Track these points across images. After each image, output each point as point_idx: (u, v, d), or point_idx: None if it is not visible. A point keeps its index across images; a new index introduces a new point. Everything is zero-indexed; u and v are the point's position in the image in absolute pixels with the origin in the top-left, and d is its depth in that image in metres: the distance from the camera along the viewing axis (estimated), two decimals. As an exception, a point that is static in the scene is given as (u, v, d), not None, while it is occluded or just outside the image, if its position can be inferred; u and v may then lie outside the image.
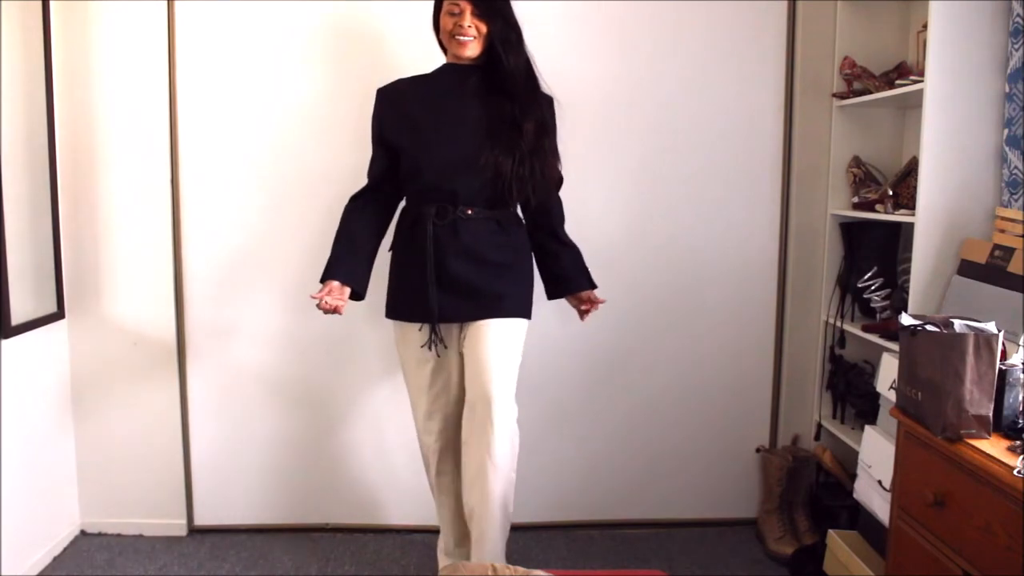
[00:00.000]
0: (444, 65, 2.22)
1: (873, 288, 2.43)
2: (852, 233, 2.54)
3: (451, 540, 2.32)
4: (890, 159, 2.58)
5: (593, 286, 2.32)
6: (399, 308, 2.20)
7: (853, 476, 2.30)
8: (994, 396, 1.56)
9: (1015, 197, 2.04)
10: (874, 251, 2.47)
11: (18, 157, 2.28)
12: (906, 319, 1.69)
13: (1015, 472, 1.39)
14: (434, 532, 2.64)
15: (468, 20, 2.08)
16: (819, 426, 2.69)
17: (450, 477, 2.25)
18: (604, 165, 2.61)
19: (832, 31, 2.56)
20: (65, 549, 2.54)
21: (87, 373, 2.59)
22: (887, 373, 2.15)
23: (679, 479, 2.75)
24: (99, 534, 2.64)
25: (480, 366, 2.12)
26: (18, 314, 2.27)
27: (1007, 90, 2.05)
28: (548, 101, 2.22)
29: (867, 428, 2.25)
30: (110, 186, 2.53)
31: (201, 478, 2.65)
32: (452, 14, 2.10)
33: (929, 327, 1.64)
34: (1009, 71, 2.04)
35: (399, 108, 2.19)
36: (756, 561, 2.54)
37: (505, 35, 2.11)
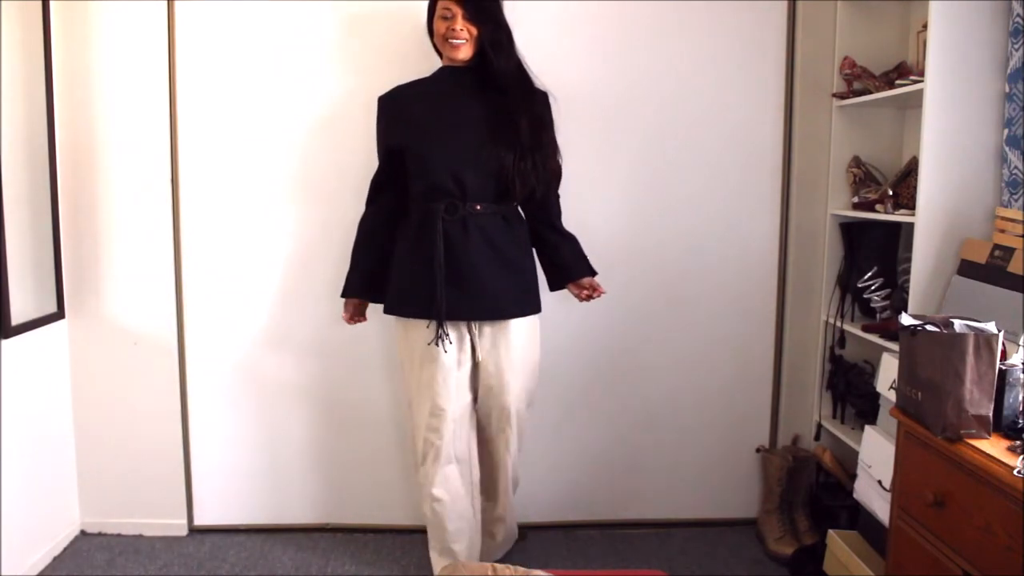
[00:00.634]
0: (440, 68, 2.28)
1: (873, 288, 2.43)
2: (852, 233, 2.54)
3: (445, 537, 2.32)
4: (890, 159, 2.58)
5: (593, 272, 2.36)
6: (406, 305, 2.21)
7: (853, 476, 2.30)
8: (994, 396, 1.56)
9: (1015, 197, 2.04)
10: (874, 251, 2.47)
11: (18, 157, 2.28)
12: (906, 319, 1.69)
13: (1015, 472, 1.39)
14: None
15: (460, 23, 2.15)
16: (819, 426, 2.69)
17: (451, 472, 2.26)
18: (604, 165, 2.61)
19: (832, 31, 2.56)
20: (65, 549, 2.54)
21: (87, 373, 2.59)
22: (887, 373, 2.15)
23: (679, 479, 2.75)
24: (99, 534, 2.64)
25: (501, 372, 2.23)
26: (18, 314, 2.27)
27: (1007, 90, 2.05)
28: (543, 96, 2.28)
29: (867, 428, 2.25)
30: (110, 186, 2.53)
31: (201, 478, 2.65)
32: (444, 18, 2.17)
33: (929, 327, 1.64)
34: (1009, 71, 2.04)
35: (401, 111, 2.25)
36: (756, 561, 2.54)
37: (495, 37, 2.19)
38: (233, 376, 2.63)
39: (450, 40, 2.16)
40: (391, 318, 2.30)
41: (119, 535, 2.63)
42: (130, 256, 2.55)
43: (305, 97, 2.53)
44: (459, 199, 2.16)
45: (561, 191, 2.60)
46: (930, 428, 1.61)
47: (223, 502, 2.67)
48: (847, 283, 2.53)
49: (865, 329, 2.42)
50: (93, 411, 2.60)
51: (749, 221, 2.67)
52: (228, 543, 2.60)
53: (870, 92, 2.41)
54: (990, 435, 1.55)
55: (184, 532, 2.65)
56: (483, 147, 2.15)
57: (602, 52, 2.57)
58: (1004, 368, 1.57)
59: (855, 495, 2.26)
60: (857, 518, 2.30)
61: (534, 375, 2.35)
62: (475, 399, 2.30)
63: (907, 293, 2.18)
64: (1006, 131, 2.06)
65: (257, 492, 2.68)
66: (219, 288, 2.59)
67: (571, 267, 2.35)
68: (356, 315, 2.35)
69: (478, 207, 2.17)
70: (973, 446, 1.52)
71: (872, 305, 2.44)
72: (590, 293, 2.35)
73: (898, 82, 2.27)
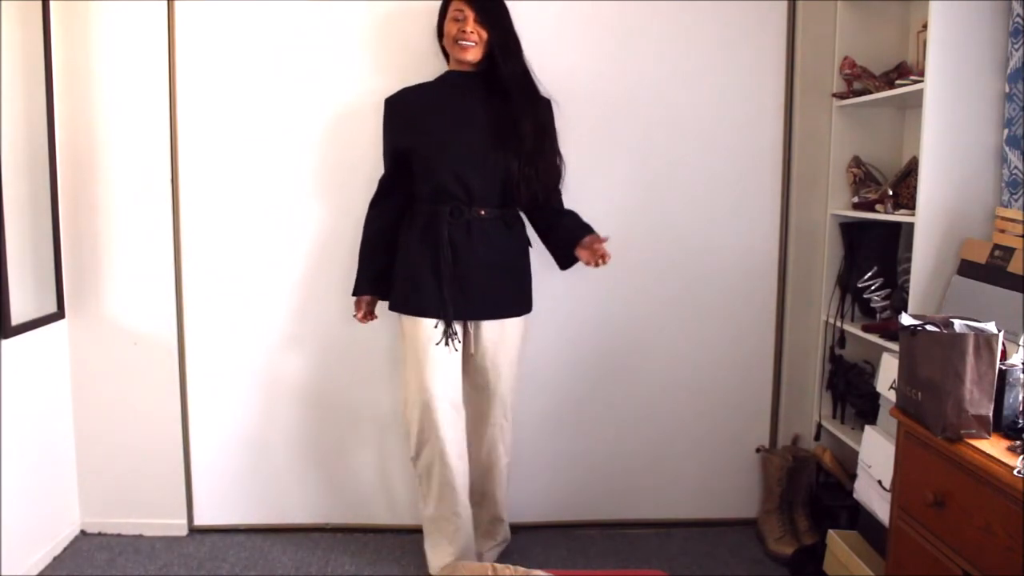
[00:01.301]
0: (446, 73, 2.31)
1: (873, 288, 2.43)
2: (852, 233, 2.54)
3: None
4: (890, 159, 2.58)
5: (593, 231, 2.32)
6: (411, 303, 2.26)
7: (853, 476, 2.30)
8: (994, 396, 1.56)
9: (1015, 197, 2.04)
10: (874, 251, 2.47)
11: (18, 157, 2.28)
12: (906, 319, 1.69)
13: (1015, 472, 1.39)
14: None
15: (471, 26, 2.19)
16: (819, 426, 2.69)
17: (446, 466, 2.29)
18: (604, 165, 2.61)
19: (832, 31, 2.56)
20: (65, 549, 2.54)
21: (87, 373, 2.59)
22: (887, 373, 2.15)
23: (679, 479, 2.75)
24: (99, 534, 2.64)
25: (497, 366, 2.32)
26: (18, 314, 2.27)
27: (1007, 90, 2.05)
28: (546, 103, 2.32)
29: (867, 428, 2.25)
30: (110, 186, 2.53)
31: (201, 478, 2.65)
32: (456, 20, 2.20)
33: (929, 327, 1.64)
34: (1009, 71, 2.04)
35: (408, 113, 2.28)
36: (756, 561, 2.54)
37: (504, 42, 2.22)
38: (233, 376, 2.63)
39: (460, 42, 2.19)
40: (392, 317, 2.34)
41: (119, 535, 2.63)
42: (130, 256, 2.55)
43: (305, 97, 2.53)
44: (464, 203, 2.21)
45: (561, 191, 2.61)
46: (930, 428, 1.61)
47: (223, 502, 2.67)
48: (847, 283, 2.53)
49: (865, 329, 2.42)
50: (93, 411, 2.60)
51: (749, 221, 2.67)
52: (228, 543, 2.60)
53: (870, 92, 2.41)
54: (990, 435, 1.55)
55: (184, 532, 2.65)
56: (489, 152, 2.20)
57: (602, 52, 2.57)
58: (1004, 368, 1.57)
59: (855, 495, 2.26)
60: (857, 518, 2.30)
61: (519, 373, 2.44)
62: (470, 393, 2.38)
63: (907, 293, 2.18)
64: (1006, 131, 2.06)
65: (257, 492, 2.68)
66: (219, 288, 2.59)
67: (573, 230, 2.33)
68: (369, 313, 2.37)
69: (482, 211, 2.22)
70: (973, 446, 1.52)
71: (872, 305, 2.44)
72: (597, 256, 2.25)
73: (898, 82, 2.27)
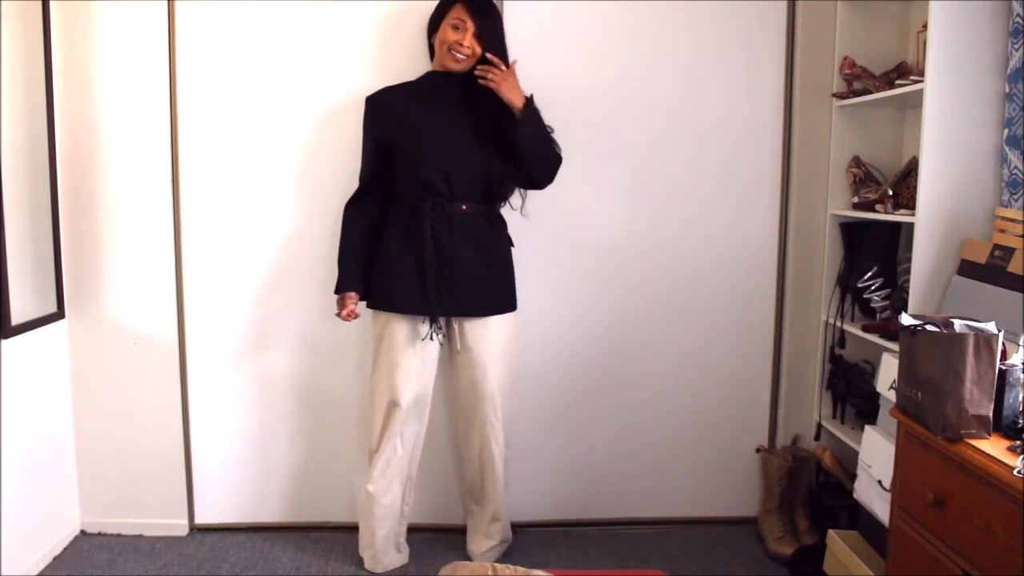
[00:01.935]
0: (429, 72, 2.32)
1: (873, 288, 2.43)
2: (852, 233, 2.54)
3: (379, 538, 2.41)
4: (890, 159, 2.58)
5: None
6: (394, 300, 2.27)
7: (853, 476, 2.30)
8: (994, 396, 1.56)
9: (1015, 197, 2.04)
10: (874, 251, 2.47)
11: (18, 157, 2.28)
12: (906, 319, 1.69)
13: (1015, 472, 1.39)
14: (434, 531, 2.65)
15: (469, 40, 2.20)
16: (819, 426, 2.69)
17: (393, 463, 2.36)
18: (603, 165, 2.61)
19: (832, 31, 2.56)
20: (65, 549, 2.54)
21: (87, 373, 2.58)
22: (887, 373, 2.15)
23: (679, 478, 2.76)
24: (99, 534, 2.64)
25: (483, 364, 2.32)
26: (18, 314, 2.27)
27: (1007, 90, 2.05)
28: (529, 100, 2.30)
29: (867, 428, 2.25)
30: (110, 186, 2.53)
31: (201, 478, 2.65)
32: (455, 28, 2.20)
33: (929, 327, 1.64)
34: (1009, 71, 2.04)
35: (390, 111, 2.30)
36: (756, 561, 2.54)
37: (498, 56, 2.23)
38: (233, 376, 2.63)
39: (454, 52, 2.20)
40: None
41: (119, 535, 2.63)
42: (130, 256, 2.55)
43: (306, 97, 2.53)
44: (446, 198, 2.22)
45: (560, 191, 2.61)
46: (930, 428, 1.61)
47: (223, 502, 2.67)
48: (847, 283, 2.53)
49: (865, 329, 2.42)
50: (93, 411, 2.60)
51: (749, 221, 2.67)
52: (228, 543, 2.60)
53: (870, 92, 2.41)
54: (990, 435, 1.55)
55: (184, 532, 2.65)
56: (472, 149, 2.21)
57: (601, 52, 2.57)
58: (1004, 368, 1.57)
59: (855, 495, 2.26)
60: (857, 518, 2.30)
61: (512, 371, 2.43)
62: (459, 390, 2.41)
63: (907, 293, 2.18)
64: (1006, 131, 2.06)
65: (257, 492, 2.68)
66: (219, 288, 2.59)
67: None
68: (353, 312, 2.35)
69: (464, 207, 2.23)
70: (973, 446, 1.52)
71: (872, 305, 2.44)
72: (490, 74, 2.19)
73: (898, 82, 2.27)
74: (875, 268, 2.43)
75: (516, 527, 2.63)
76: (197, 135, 2.53)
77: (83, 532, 2.65)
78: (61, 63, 2.46)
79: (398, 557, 2.46)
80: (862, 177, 2.53)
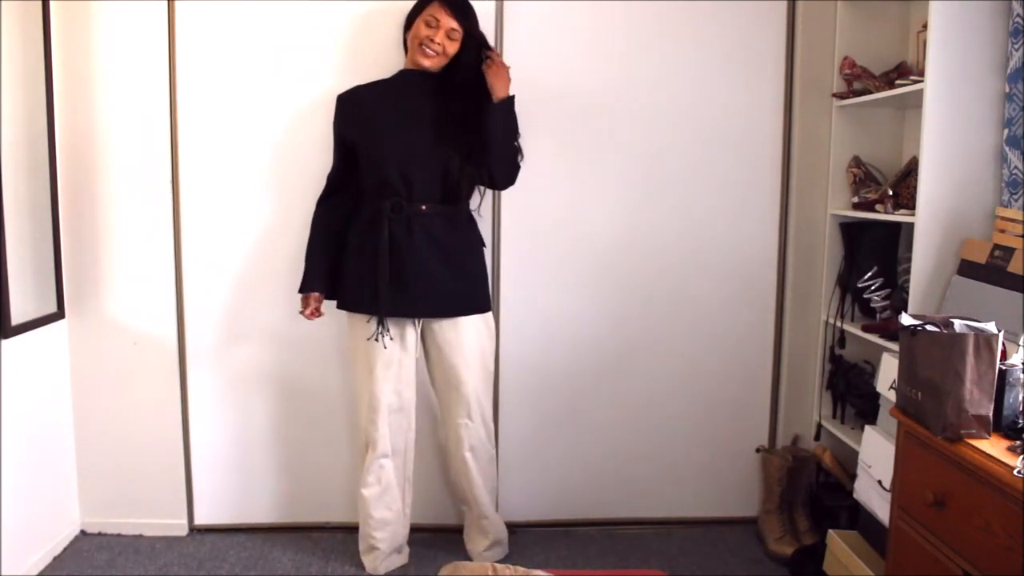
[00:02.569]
0: (401, 71, 2.33)
1: (873, 288, 2.43)
2: (852, 233, 2.54)
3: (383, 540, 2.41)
4: (890, 159, 2.58)
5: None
6: (351, 300, 2.30)
7: (853, 476, 2.30)
8: (994, 396, 1.56)
9: (1015, 197, 2.04)
10: (874, 251, 2.47)
11: (18, 157, 2.28)
12: (906, 319, 1.69)
13: (1015, 472, 1.39)
14: (434, 531, 2.65)
15: (440, 37, 2.21)
16: (819, 426, 2.69)
17: (385, 463, 2.36)
18: (603, 165, 2.61)
19: (832, 31, 2.56)
20: (65, 549, 2.54)
21: (87, 373, 2.58)
22: (887, 373, 2.15)
23: (679, 478, 2.76)
24: (99, 534, 2.64)
25: (455, 366, 2.32)
26: (18, 314, 2.27)
27: (1007, 90, 2.05)
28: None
29: (867, 428, 2.25)
30: (110, 186, 2.53)
31: (201, 478, 2.65)
32: (428, 25, 2.22)
33: (929, 327, 1.64)
34: (1009, 71, 2.04)
35: (358, 109, 2.31)
36: (756, 561, 2.54)
37: (472, 56, 2.25)
38: (233, 376, 2.63)
39: (425, 47, 2.21)
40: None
41: (119, 535, 2.63)
42: (130, 256, 2.55)
43: (306, 97, 2.53)
44: (405, 199, 2.22)
45: (560, 191, 2.62)
46: (930, 428, 1.61)
47: (223, 502, 2.67)
48: (847, 283, 2.53)
49: (865, 329, 2.42)
50: (93, 411, 2.60)
51: (749, 221, 2.67)
52: (228, 543, 2.60)
53: (870, 92, 2.41)
54: (990, 435, 1.55)
55: (184, 532, 2.65)
56: (431, 148, 2.21)
57: (601, 52, 2.57)
58: (1004, 368, 1.57)
59: (855, 495, 2.26)
60: (857, 518, 2.30)
61: (488, 372, 2.42)
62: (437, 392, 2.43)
63: (907, 293, 2.18)
64: (1006, 131, 2.06)
65: (257, 492, 2.68)
66: (220, 288, 2.59)
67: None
68: (316, 311, 2.36)
69: (423, 207, 2.23)
70: (973, 446, 1.52)
71: (872, 305, 2.44)
72: (493, 66, 2.24)
73: (898, 82, 2.27)
74: (875, 268, 2.43)
75: (516, 527, 2.63)
76: (197, 135, 2.53)
77: (83, 532, 2.65)
78: (61, 63, 2.46)
79: (398, 558, 2.46)
80: (862, 177, 2.53)
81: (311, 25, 2.51)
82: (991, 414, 1.55)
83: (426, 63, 2.23)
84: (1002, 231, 2.01)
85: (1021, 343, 1.72)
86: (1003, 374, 1.57)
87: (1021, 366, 1.59)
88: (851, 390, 2.53)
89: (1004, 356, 1.59)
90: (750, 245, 2.68)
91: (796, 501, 2.63)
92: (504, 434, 2.67)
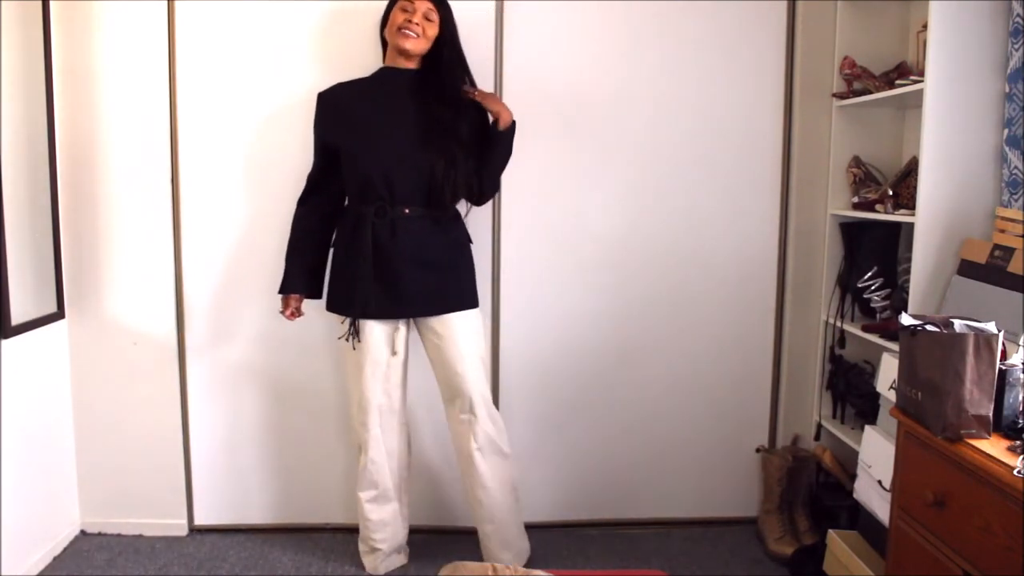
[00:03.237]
0: (382, 69, 2.31)
1: (873, 288, 2.43)
2: (852, 233, 2.54)
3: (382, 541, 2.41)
4: (890, 159, 2.58)
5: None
6: (338, 303, 2.31)
7: (853, 476, 2.30)
8: (994, 396, 1.56)
9: (1015, 197, 2.04)
10: (874, 251, 2.47)
11: (18, 157, 2.28)
12: (906, 319, 1.69)
13: (1015, 472, 1.39)
14: (434, 532, 2.65)
15: (419, 18, 2.20)
16: (819, 426, 2.69)
17: (377, 466, 2.36)
18: (604, 166, 2.61)
19: (832, 31, 2.56)
20: (65, 549, 2.54)
21: (87, 373, 2.59)
22: (887, 373, 2.15)
23: (679, 478, 2.76)
24: (99, 534, 2.64)
25: (446, 363, 2.31)
26: (18, 314, 2.27)
27: (1007, 90, 2.05)
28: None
29: (867, 428, 2.25)
30: (110, 186, 2.53)
31: (201, 478, 2.65)
32: (404, 11, 2.21)
33: (929, 327, 1.64)
34: (1009, 71, 2.04)
35: (339, 109, 2.29)
36: (756, 561, 2.54)
37: (451, 47, 2.25)
38: (233, 376, 2.63)
39: (404, 30, 2.19)
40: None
41: (119, 535, 2.63)
42: (130, 256, 2.55)
43: (306, 97, 2.52)
44: (388, 202, 2.21)
45: (560, 191, 2.62)
46: (930, 428, 1.61)
47: (223, 502, 2.67)
48: (847, 283, 2.53)
49: (865, 329, 2.42)
50: (93, 411, 2.60)
51: (749, 221, 2.67)
52: (228, 543, 2.60)
53: (870, 92, 2.41)
54: (990, 435, 1.55)
55: (184, 532, 2.65)
56: (415, 152, 2.19)
57: (601, 52, 2.57)
58: (1004, 368, 1.57)
59: (855, 495, 2.26)
60: (857, 518, 2.30)
61: (486, 368, 2.40)
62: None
63: (907, 293, 2.18)
64: (1006, 131, 2.06)
65: (257, 492, 2.68)
66: (219, 288, 2.59)
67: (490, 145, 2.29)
68: (296, 311, 2.37)
69: (407, 211, 2.22)
70: (973, 446, 1.52)
71: (872, 305, 2.44)
72: (488, 100, 2.28)
73: (898, 82, 2.27)
74: (875, 268, 2.43)
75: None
76: (197, 135, 2.53)
77: (83, 532, 2.65)
78: (61, 63, 2.46)
79: (398, 559, 2.46)
80: (862, 177, 2.53)
81: (312, 25, 2.51)
82: (991, 414, 1.55)
83: (407, 44, 2.19)
84: (1002, 231, 2.01)
85: (1021, 343, 1.72)
86: (1003, 374, 1.57)
87: (1021, 366, 1.59)
88: (851, 390, 2.53)
89: (1004, 356, 1.59)
90: (750, 245, 2.68)
91: (796, 501, 2.63)
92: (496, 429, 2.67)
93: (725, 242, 2.67)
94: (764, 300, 2.71)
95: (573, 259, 2.64)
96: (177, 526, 2.65)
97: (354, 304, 2.24)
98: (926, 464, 1.66)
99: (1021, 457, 1.43)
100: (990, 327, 1.58)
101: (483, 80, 2.49)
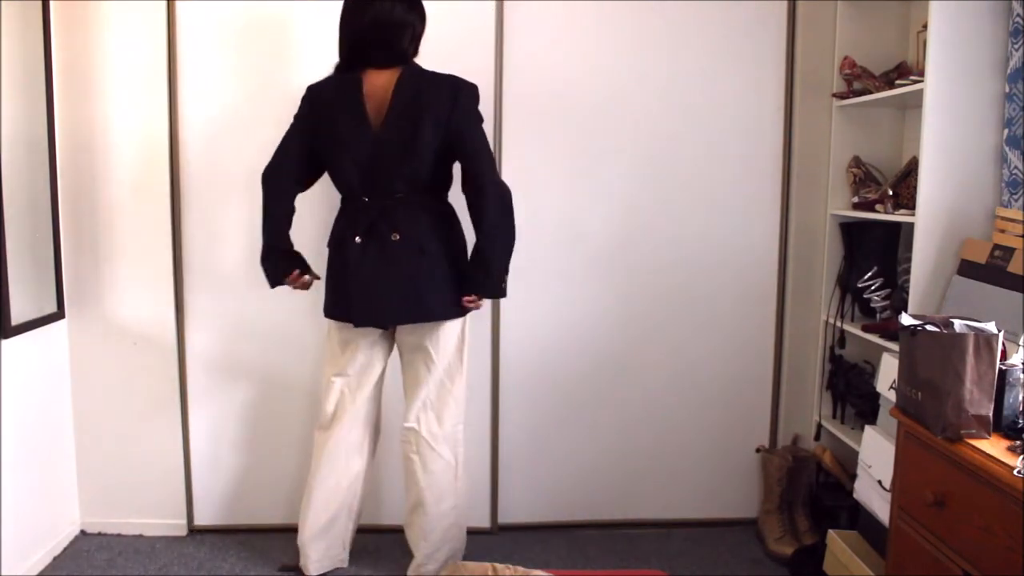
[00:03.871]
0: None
1: (873, 288, 2.43)
2: (852, 233, 2.54)
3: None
4: (890, 159, 2.58)
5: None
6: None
7: (853, 476, 2.30)
8: (994, 396, 1.56)
9: (1015, 197, 2.04)
10: (874, 251, 2.47)
11: (18, 157, 2.28)
12: (906, 319, 1.69)
13: (1015, 472, 1.39)
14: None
15: None
16: (819, 426, 2.69)
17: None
18: (604, 165, 2.61)
19: (832, 31, 2.56)
20: (65, 549, 2.54)
21: (87, 373, 2.59)
22: (887, 373, 2.15)
23: (679, 479, 2.76)
24: (99, 534, 2.64)
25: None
26: (18, 314, 2.27)
27: (1007, 90, 2.05)
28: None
29: (867, 428, 2.26)
30: (110, 186, 2.53)
31: (201, 478, 2.65)
32: None
33: (929, 327, 1.64)
34: (1009, 71, 2.04)
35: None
36: (756, 561, 2.54)
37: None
38: (233, 376, 2.63)
39: None
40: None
41: (119, 535, 2.63)
42: (130, 256, 2.55)
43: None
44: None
45: (560, 191, 2.61)
46: (930, 428, 1.61)
47: (223, 502, 2.67)
48: (847, 283, 2.53)
49: (865, 329, 2.42)
50: (93, 411, 2.60)
51: (749, 221, 2.67)
52: (228, 543, 2.60)
53: (870, 92, 2.41)
54: (990, 435, 1.55)
55: (184, 532, 2.65)
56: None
57: (601, 52, 2.57)
58: (1004, 368, 1.57)
59: (855, 495, 2.26)
60: (857, 518, 2.30)
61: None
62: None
63: (907, 293, 2.18)
64: (1006, 131, 2.06)
65: (257, 492, 2.68)
66: (219, 288, 2.58)
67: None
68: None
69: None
70: (973, 446, 1.52)
71: (872, 305, 2.44)
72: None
73: (898, 82, 2.27)
74: (875, 268, 2.43)
75: (517, 527, 2.64)
76: (197, 135, 2.53)
77: (83, 532, 2.65)
78: (61, 63, 2.46)
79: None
80: (862, 177, 2.53)
81: (312, 25, 2.51)
82: (991, 414, 1.56)
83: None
84: (1002, 231, 2.01)
85: (1021, 343, 1.72)
86: (1003, 374, 1.57)
87: (1021, 366, 1.59)
88: (851, 390, 2.53)
89: (1004, 356, 1.59)
90: (750, 245, 2.68)
91: (796, 501, 2.63)
92: (504, 434, 2.68)
93: (725, 242, 2.67)
94: (764, 300, 2.71)
95: (573, 258, 2.64)
96: (177, 526, 2.65)
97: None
98: (926, 464, 1.66)
99: (1021, 457, 1.43)
100: (990, 327, 1.59)
101: (483, 80, 2.49)
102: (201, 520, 2.67)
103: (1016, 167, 2.04)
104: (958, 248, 2.11)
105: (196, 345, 2.60)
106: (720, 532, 2.71)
